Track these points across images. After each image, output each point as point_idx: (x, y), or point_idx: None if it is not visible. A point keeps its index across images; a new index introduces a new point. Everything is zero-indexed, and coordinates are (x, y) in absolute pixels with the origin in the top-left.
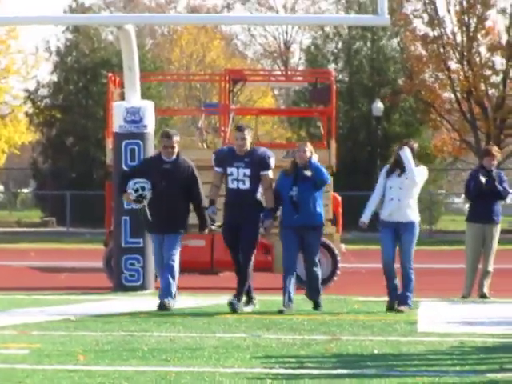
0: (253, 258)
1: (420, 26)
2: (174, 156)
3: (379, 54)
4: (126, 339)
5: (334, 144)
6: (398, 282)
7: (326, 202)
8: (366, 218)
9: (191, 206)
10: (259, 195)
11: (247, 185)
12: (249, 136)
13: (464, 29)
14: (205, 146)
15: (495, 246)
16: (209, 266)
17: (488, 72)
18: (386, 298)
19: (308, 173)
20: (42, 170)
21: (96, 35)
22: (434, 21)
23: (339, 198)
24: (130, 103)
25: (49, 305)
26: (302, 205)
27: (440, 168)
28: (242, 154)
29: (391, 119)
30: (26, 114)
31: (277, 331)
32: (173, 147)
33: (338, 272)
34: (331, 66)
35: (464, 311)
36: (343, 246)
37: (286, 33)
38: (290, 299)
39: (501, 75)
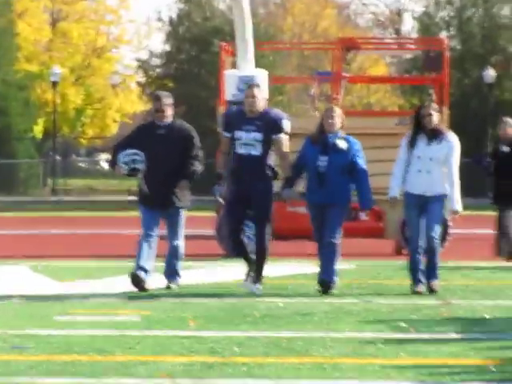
0: (269, 230)
1: None
2: (168, 120)
3: (491, 21)
4: (236, 305)
5: (446, 111)
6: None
7: None
8: (394, 192)
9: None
10: (272, 162)
11: (259, 150)
12: (260, 94)
13: None
14: (317, 114)
15: None
16: None
17: None
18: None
19: (342, 144)
20: None
21: (208, 4)
22: None
23: None
24: (244, 72)
25: (159, 272)
26: (328, 179)
27: None
28: (253, 115)
29: (503, 86)
30: (138, 83)
31: (387, 296)
32: (163, 111)
33: (449, 238)
34: (443, 34)
35: None
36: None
37: (398, 1)
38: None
39: None
